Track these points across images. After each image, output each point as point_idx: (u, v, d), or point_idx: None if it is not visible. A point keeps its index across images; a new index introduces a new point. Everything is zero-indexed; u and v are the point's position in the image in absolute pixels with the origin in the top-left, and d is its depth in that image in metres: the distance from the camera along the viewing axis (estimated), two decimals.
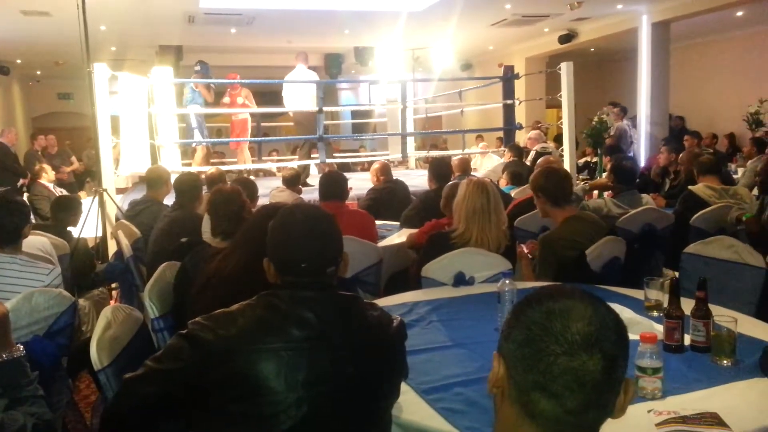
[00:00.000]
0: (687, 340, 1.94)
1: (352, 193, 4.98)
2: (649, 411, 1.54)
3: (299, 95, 7.56)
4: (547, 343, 0.83)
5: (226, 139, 8.39)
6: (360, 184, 7.11)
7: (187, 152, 8.22)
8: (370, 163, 8.53)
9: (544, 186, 3.05)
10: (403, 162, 9.61)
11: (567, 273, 2.80)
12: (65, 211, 4.25)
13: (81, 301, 3.73)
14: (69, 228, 4.21)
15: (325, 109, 7.38)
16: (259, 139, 9.49)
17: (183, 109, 7.48)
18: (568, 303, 0.86)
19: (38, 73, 14.61)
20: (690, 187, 4.42)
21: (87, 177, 10.29)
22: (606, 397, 0.85)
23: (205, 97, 7.58)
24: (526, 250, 3.08)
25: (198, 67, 7.72)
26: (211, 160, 8.13)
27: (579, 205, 4.05)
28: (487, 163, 8.52)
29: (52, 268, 2.61)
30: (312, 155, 7.70)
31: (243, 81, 7.97)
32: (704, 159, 4.68)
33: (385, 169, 5.37)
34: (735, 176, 6.22)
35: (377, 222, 4.05)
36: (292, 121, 8.11)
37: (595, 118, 7.45)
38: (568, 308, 0.85)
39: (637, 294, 2.44)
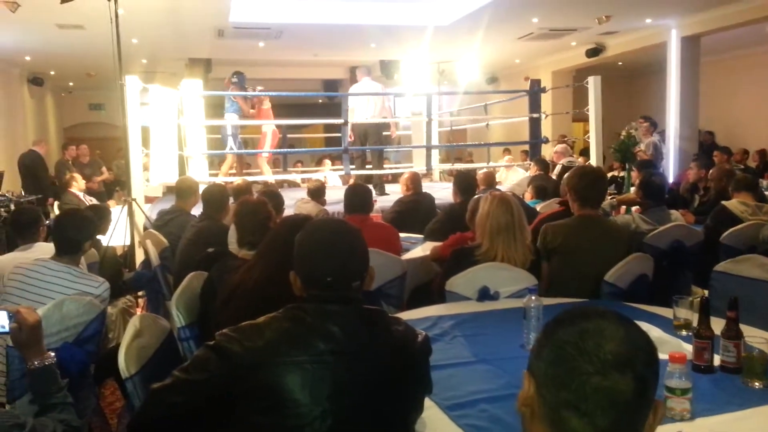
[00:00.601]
0: (717, 360, 1.91)
1: (376, 206, 5.00)
2: None
3: (364, 108, 7.64)
4: (580, 362, 0.83)
5: (254, 150, 8.51)
6: (384, 195, 7.13)
7: (214, 162, 8.33)
8: (394, 175, 8.57)
9: (575, 186, 3.12)
10: (428, 174, 9.61)
11: (564, 263, 2.95)
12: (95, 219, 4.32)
13: (108, 309, 3.78)
14: (98, 236, 4.28)
15: (350, 121, 7.44)
16: (286, 150, 9.60)
17: (212, 120, 7.60)
18: (601, 323, 0.87)
19: (71, 84, 14.95)
20: (723, 201, 4.35)
21: (116, 186, 10.47)
22: (636, 417, 0.85)
23: (242, 107, 7.71)
24: None
25: (235, 78, 7.85)
26: (236, 171, 8.23)
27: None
28: (513, 176, 8.48)
29: (102, 281, 2.66)
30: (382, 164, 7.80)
31: (274, 93, 8.08)
32: (741, 176, 4.61)
33: (414, 179, 5.37)
34: (766, 192, 6.09)
35: (401, 234, 4.06)
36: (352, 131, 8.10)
37: (623, 133, 7.39)
38: (600, 328, 0.86)
39: (666, 312, 2.40)
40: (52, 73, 13.20)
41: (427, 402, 1.60)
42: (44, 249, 3.10)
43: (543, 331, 0.92)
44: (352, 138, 7.70)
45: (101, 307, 2.36)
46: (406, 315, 2.58)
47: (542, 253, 3.05)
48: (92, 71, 12.54)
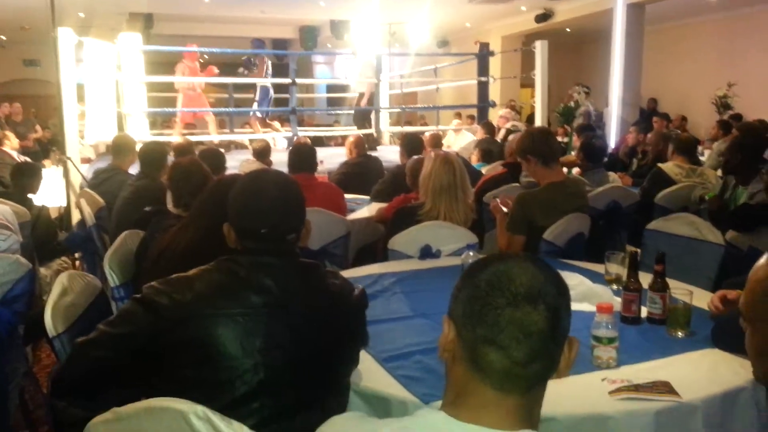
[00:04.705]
0: (644, 312, 1.98)
1: (323, 168, 4.95)
2: (603, 379, 1.56)
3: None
4: (493, 296, 0.86)
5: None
6: (333, 159, 7.07)
7: (156, 122, 8.07)
8: (344, 137, 8.50)
9: (531, 147, 2.96)
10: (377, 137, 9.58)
11: (535, 236, 2.82)
12: (25, 177, 4.16)
13: (42, 270, 3.66)
14: (30, 195, 4.12)
15: (298, 81, 7.31)
16: (233, 109, 9.36)
17: (152, 77, 7.32)
18: (513, 263, 0.90)
19: (3, 38, 14.12)
20: (659, 164, 4.48)
21: (53, 146, 10.05)
22: (551, 348, 0.87)
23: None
24: (500, 204, 3.03)
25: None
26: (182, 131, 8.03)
27: None
28: (461, 140, 8.52)
29: (8, 234, 2.54)
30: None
31: (230, 51, 7.86)
32: (683, 136, 4.73)
33: (358, 143, 5.34)
34: (701, 158, 6.31)
35: (348, 196, 4.04)
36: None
37: (572, 102, 7.52)
38: (511, 266, 0.89)
39: (599, 268, 2.46)
40: None
41: (363, 355, 1.61)
42: None
43: (462, 275, 0.94)
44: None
45: (29, 265, 2.26)
46: (348, 273, 2.57)
47: (518, 223, 2.88)
48: (26, 24, 11.86)
